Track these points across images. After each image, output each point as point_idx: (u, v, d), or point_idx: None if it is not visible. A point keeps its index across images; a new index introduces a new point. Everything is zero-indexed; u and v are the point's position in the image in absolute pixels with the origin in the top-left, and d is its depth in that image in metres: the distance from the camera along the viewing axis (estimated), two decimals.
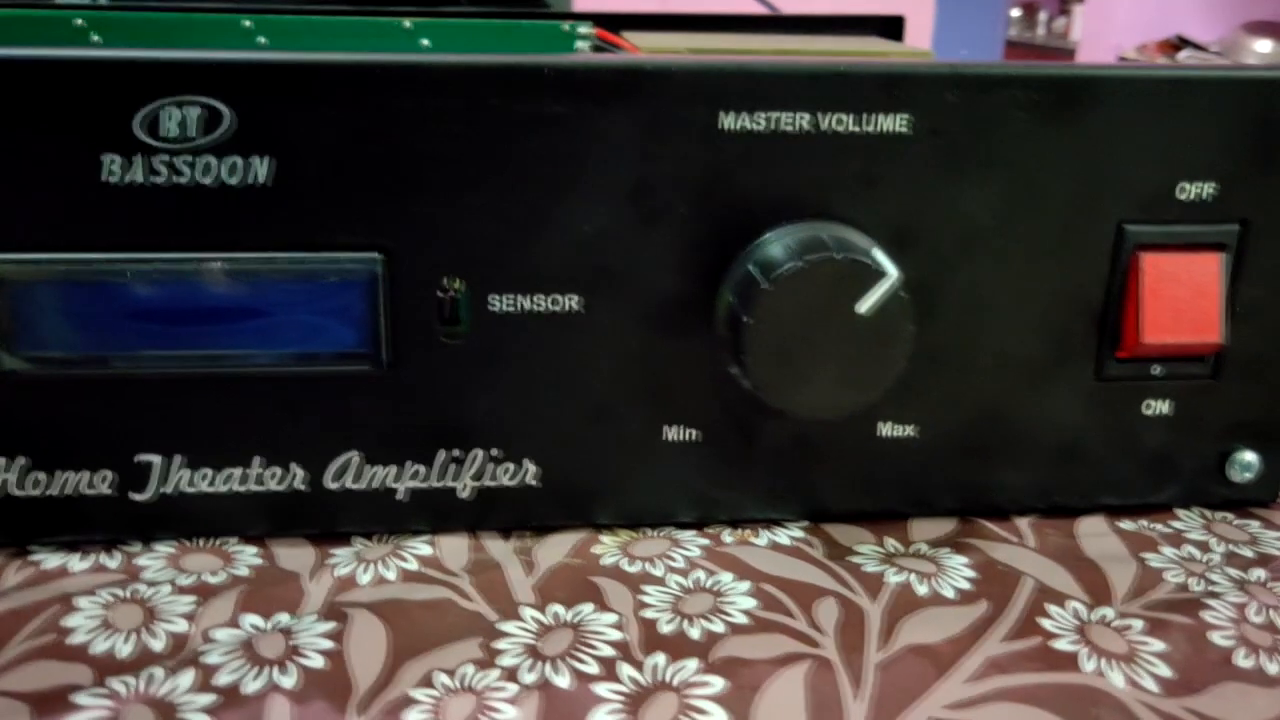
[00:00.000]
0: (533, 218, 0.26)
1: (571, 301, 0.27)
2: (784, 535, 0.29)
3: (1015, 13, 3.00)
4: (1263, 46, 2.08)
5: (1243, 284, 0.28)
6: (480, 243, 0.26)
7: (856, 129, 0.26)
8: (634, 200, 0.26)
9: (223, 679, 0.23)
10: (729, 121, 0.26)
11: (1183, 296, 0.27)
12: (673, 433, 0.28)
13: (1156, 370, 0.28)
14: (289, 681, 0.23)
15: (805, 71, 0.26)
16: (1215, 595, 0.26)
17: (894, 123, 0.26)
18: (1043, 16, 2.97)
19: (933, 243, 0.27)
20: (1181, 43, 2.17)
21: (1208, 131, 0.27)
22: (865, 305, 0.25)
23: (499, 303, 0.27)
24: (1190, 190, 0.27)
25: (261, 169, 0.25)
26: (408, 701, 0.22)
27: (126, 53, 0.25)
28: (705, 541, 0.28)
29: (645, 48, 0.43)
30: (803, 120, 0.26)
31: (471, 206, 0.26)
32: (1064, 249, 0.27)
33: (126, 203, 0.25)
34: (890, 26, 0.55)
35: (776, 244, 0.26)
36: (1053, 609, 0.26)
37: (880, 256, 0.25)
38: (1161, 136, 0.27)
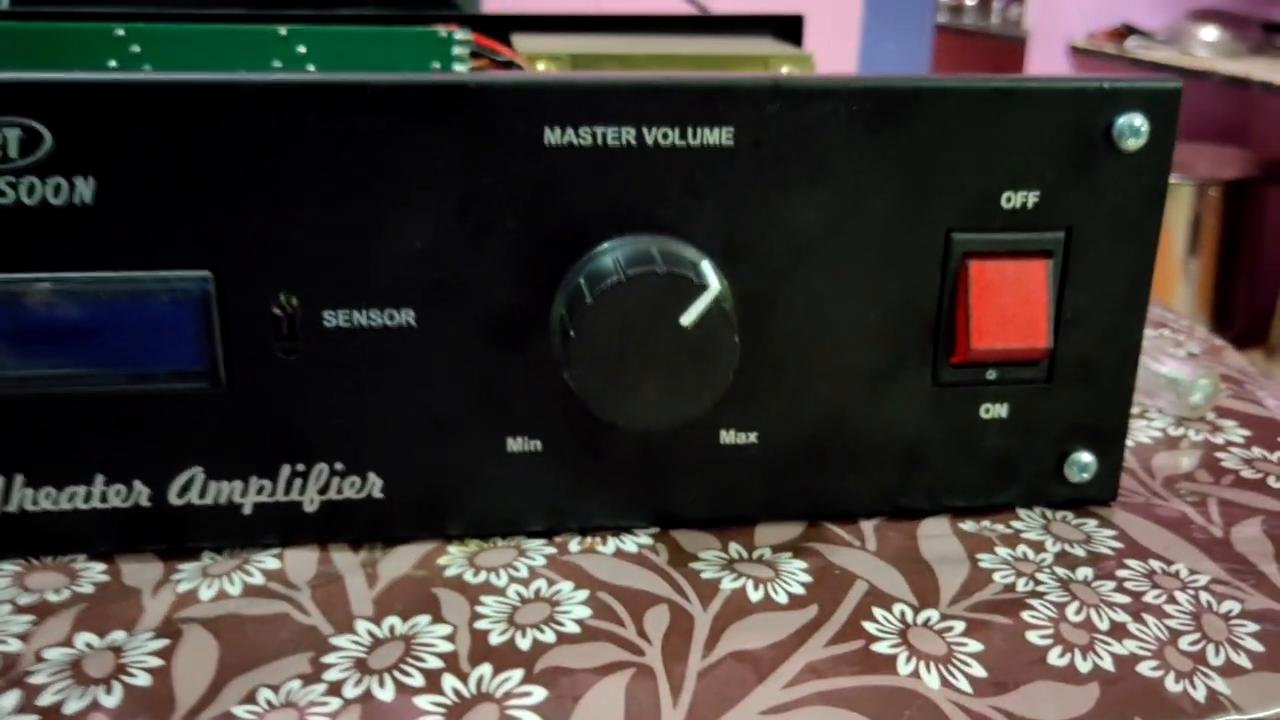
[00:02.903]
0: (362, 234, 0.26)
1: (406, 316, 0.27)
2: (631, 542, 0.29)
3: (970, 0, 3.02)
4: (1208, 34, 2.10)
5: (1070, 290, 0.28)
6: (311, 259, 0.26)
7: (681, 142, 0.26)
8: (463, 215, 0.26)
9: (46, 699, 0.23)
10: (554, 136, 0.26)
11: (1010, 303, 0.28)
12: (515, 444, 0.28)
13: (991, 375, 0.29)
14: (111, 701, 0.23)
15: (627, 86, 0.26)
16: (1039, 595, 0.27)
17: (717, 135, 0.26)
18: (997, 5, 2.98)
19: (763, 253, 0.27)
20: (1128, 31, 2.19)
21: (1029, 141, 0.27)
22: (687, 318, 0.25)
23: (334, 318, 0.27)
24: (1015, 199, 0.28)
25: (84, 189, 0.25)
26: (228, 719, 0.23)
27: None
28: (552, 550, 0.29)
29: (526, 51, 0.43)
30: (628, 134, 0.26)
31: (300, 223, 0.26)
32: (894, 258, 0.28)
33: None
34: (788, 27, 0.55)
35: (607, 257, 0.26)
36: (879, 612, 0.26)
37: (705, 269, 0.26)
38: (984, 146, 0.27)
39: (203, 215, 0.26)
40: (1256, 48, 2.04)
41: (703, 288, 0.25)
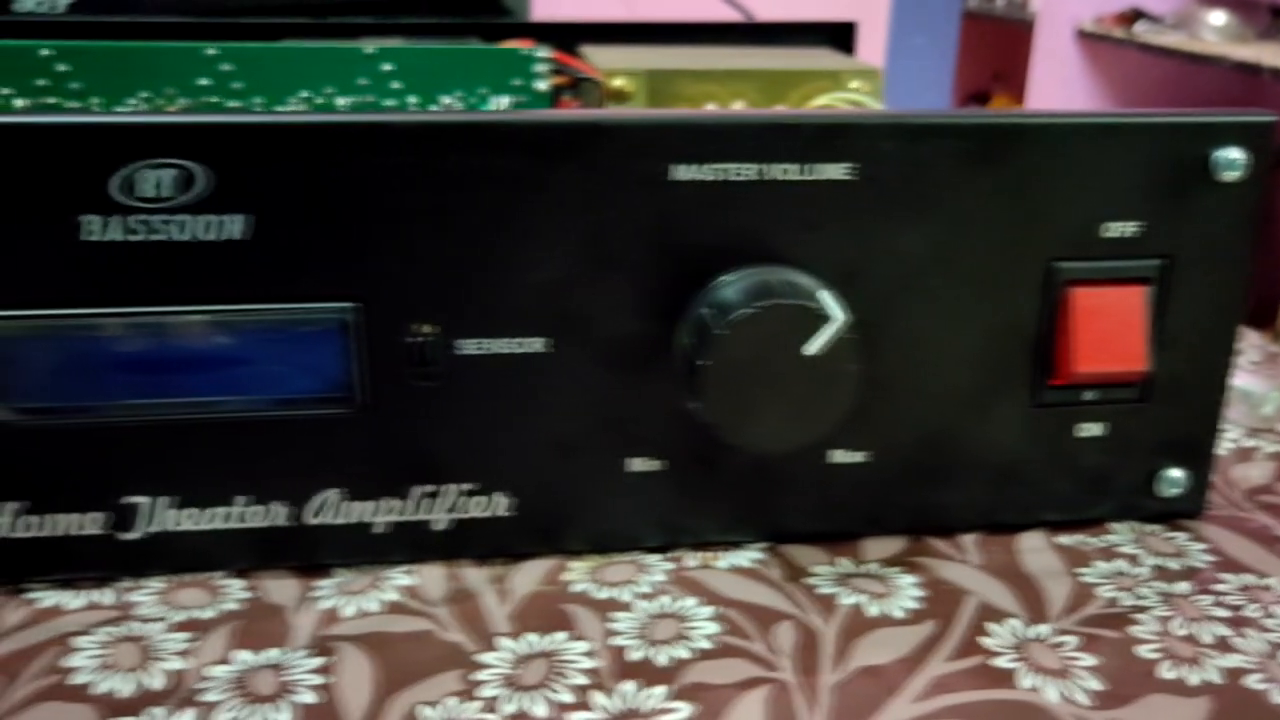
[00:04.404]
0: (497, 265, 0.28)
1: (537, 344, 0.28)
2: (744, 558, 0.30)
3: None
4: (1216, 18, 2.10)
5: (1166, 314, 0.30)
6: (448, 290, 0.28)
7: (801, 177, 0.28)
8: (593, 248, 0.28)
9: (221, 717, 0.24)
10: (681, 173, 0.27)
11: (1110, 328, 0.29)
12: (636, 464, 0.30)
13: (1088, 396, 0.30)
14: (284, 719, 0.24)
15: (752, 124, 0.27)
16: (1143, 609, 0.28)
17: (837, 170, 0.28)
18: None
19: (874, 282, 0.29)
20: (1136, 15, 2.19)
21: (1129, 174, 0.28)
22: (813, 347, 0.27)
23: (469, 346, 0.28)
24: (1115, 229, 0.29)
25: (236, 225, 0.26)
26: None
27: (102, 117, 0.26)
28: (670, 566, 0.30)
29: (604, 67, 0.44)
30: (750, 170, 0.27)
31: (439, 256, 0.27)
32: (999, 285, 0.29)
33: (107, 260, 0.26)
34: (840, 34, 0.56)
35: (730, 288, 0.27)
36: (993, 627, 0.28)
37: (827, 299, 0.27)
38: (1086, 179, 0.28)
39: (348, 249, 0.27)
40: (1265, 32, 2.05)
41: (828, 318, 0.27)
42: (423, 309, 0.28)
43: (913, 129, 0.28)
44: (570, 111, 0.29)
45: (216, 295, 0.27)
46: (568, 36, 0.51)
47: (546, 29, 0.54)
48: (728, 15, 0.70)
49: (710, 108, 0.43)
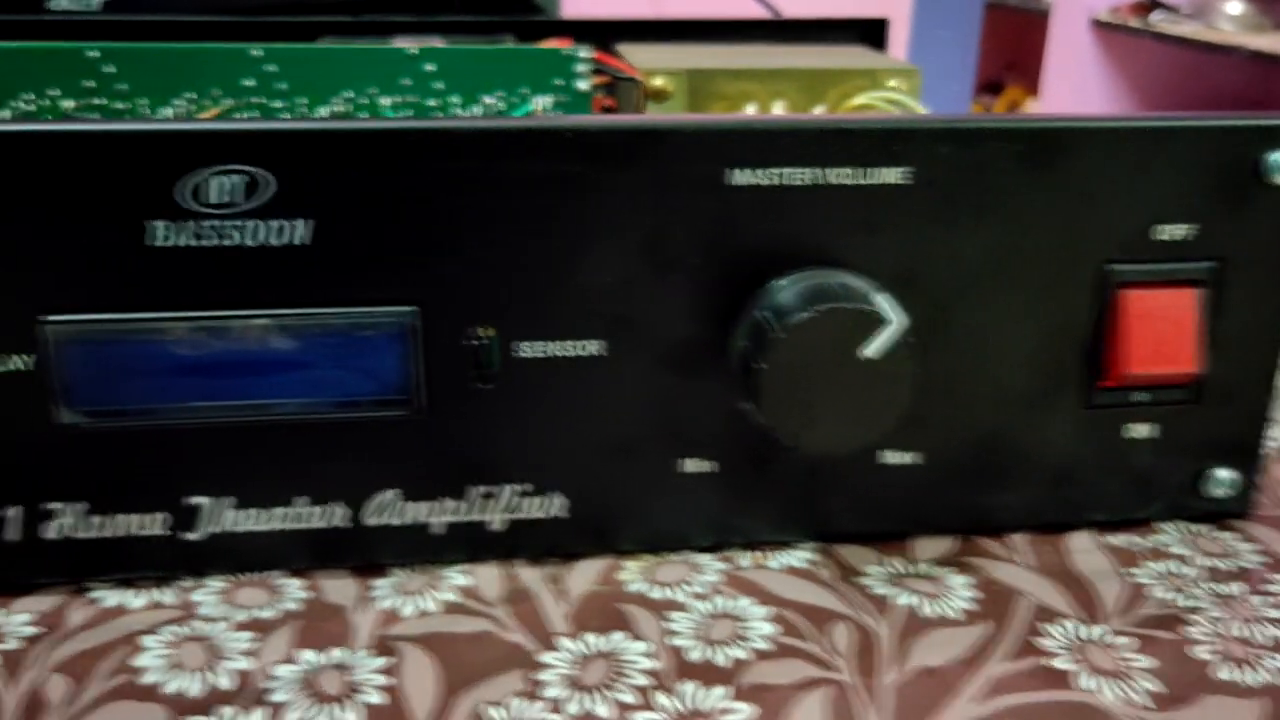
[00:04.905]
0: (555, 269, 0.28)
1: (594, 346, 0.29)
2: (796, 557, 0.31)
3: None
4: (1233, 8, 2.09)
5: (1218, 316, 0.30)
6: (507, 294, 0.28)
7: (859, 181, 0.28)
8: (650, 252, 0.28)
9: (291, 717, 0.25)
10: (739, 177, 0.28)
11: (1162, 330, 0.29)
12: (690, 465, 0.30)
13: (1140, 397, 0.30)
14: (353, 719, 0.25)
15: (810, 129, 0.27)
16: (1197, 610, 0.28)
17: (893, 175, 0.28)
18: None
19: (931, 284, 0.29)
20: (1153, 4, 2.18)
21: (1183, 176, 0.29)
22: (870, 350, 0.27)
23: (526, 349, 0.28)
24: (1168, 231, 0.29)
25: (301, 230, 0.27)
26: None
27: (171, 125, 0.26)
28: (723, 566, 0.30)
29: (642, 67, 0.44)
30: (808, 175, 0.28)
31: (498, 260, 0.28)
32: (1052, 287, 0.29)
33: (175, 265, 0.27)
34: (873, 31, 0.56)
35: (787, 291, 0.28)
36: (1049, 628, 0.28)
37: (884, 303, 0.27)
38: (1140, 182, 0.29)
39: (408, 253, 0.27)
40: None
41: (885, 321, 0.27)
42: (481, 312, 0.28)
43: (968, 133, 0.28)
44: (628, 116, 0.29)
45: (280, 299, 0.27)
46: (600, 34, 0.52)
47: (580, 27, 0.54)
48: (754, 11, 0.70)
49: (751, 108, 0.43)
